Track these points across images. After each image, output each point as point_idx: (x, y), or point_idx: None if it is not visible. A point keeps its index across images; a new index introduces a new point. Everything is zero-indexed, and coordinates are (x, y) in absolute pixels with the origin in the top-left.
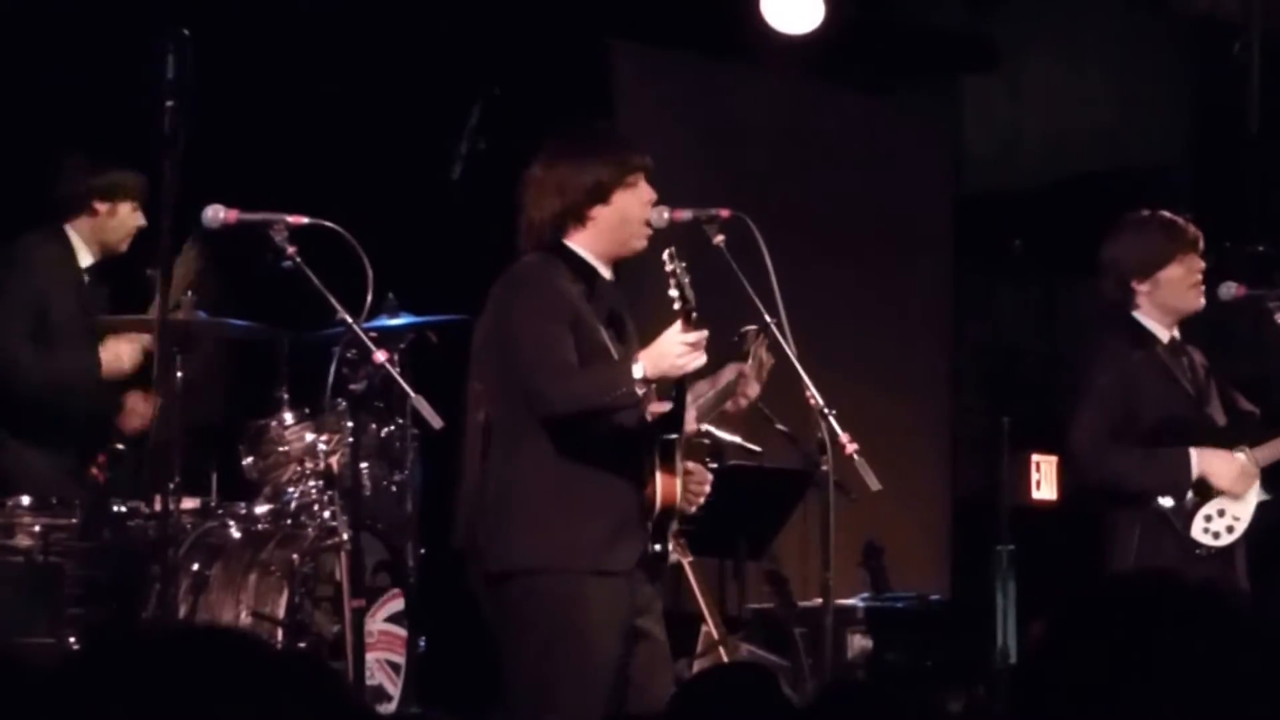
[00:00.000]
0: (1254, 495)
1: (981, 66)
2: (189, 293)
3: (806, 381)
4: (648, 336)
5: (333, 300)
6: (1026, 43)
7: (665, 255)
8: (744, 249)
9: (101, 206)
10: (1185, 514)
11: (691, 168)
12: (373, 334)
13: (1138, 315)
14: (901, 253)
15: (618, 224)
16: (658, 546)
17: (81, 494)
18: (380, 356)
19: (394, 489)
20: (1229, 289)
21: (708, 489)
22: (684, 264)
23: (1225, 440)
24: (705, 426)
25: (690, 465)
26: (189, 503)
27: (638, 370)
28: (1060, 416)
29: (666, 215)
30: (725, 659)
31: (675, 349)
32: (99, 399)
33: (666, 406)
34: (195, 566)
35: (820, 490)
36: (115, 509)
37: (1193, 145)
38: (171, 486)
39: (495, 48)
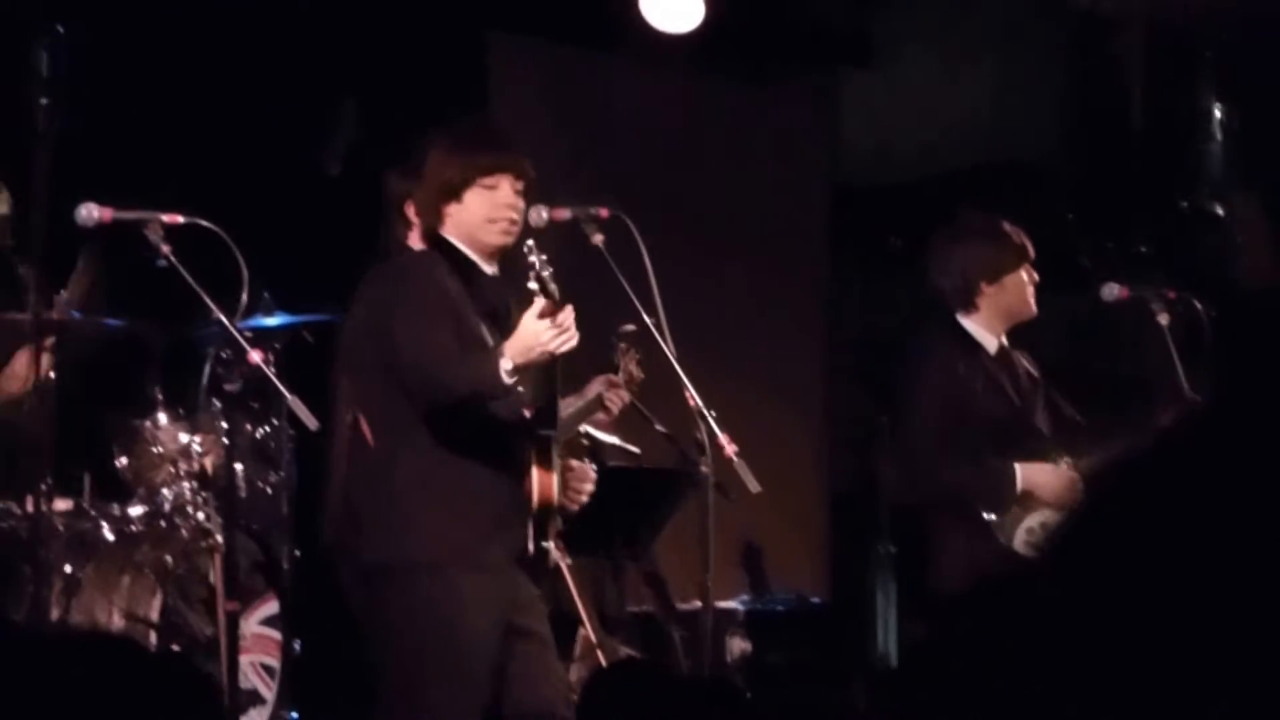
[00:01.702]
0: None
1: (859, 60)
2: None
3: (686, 382)
4: None
5: (207, 299)
6: (904, 36)
7: (525, 248)
8: (623, 248)
9: None
10: (1008, 526)
11: (569, 162)
12: (248, 333)
13: (964, 321)
14: (779, 249)
15: (468, 222)
16: (537, 543)
17: None
18: (255, 356)
19: (269, 490)
20: (1112, 290)
21: (590, 486)
22: (544, 256)
23: (1050, 449)
24: (584, 428)
25: (573, 463)
26: (61, 503)
27: (506, 362)
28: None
29: (545, 214)
30: (603, 662)
31: (539, 334)
32: None
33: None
34: (68, 568)
35: (699, 491)
36: None
37: (1074, 142)
38: (44, 487)
39: (371, 40)
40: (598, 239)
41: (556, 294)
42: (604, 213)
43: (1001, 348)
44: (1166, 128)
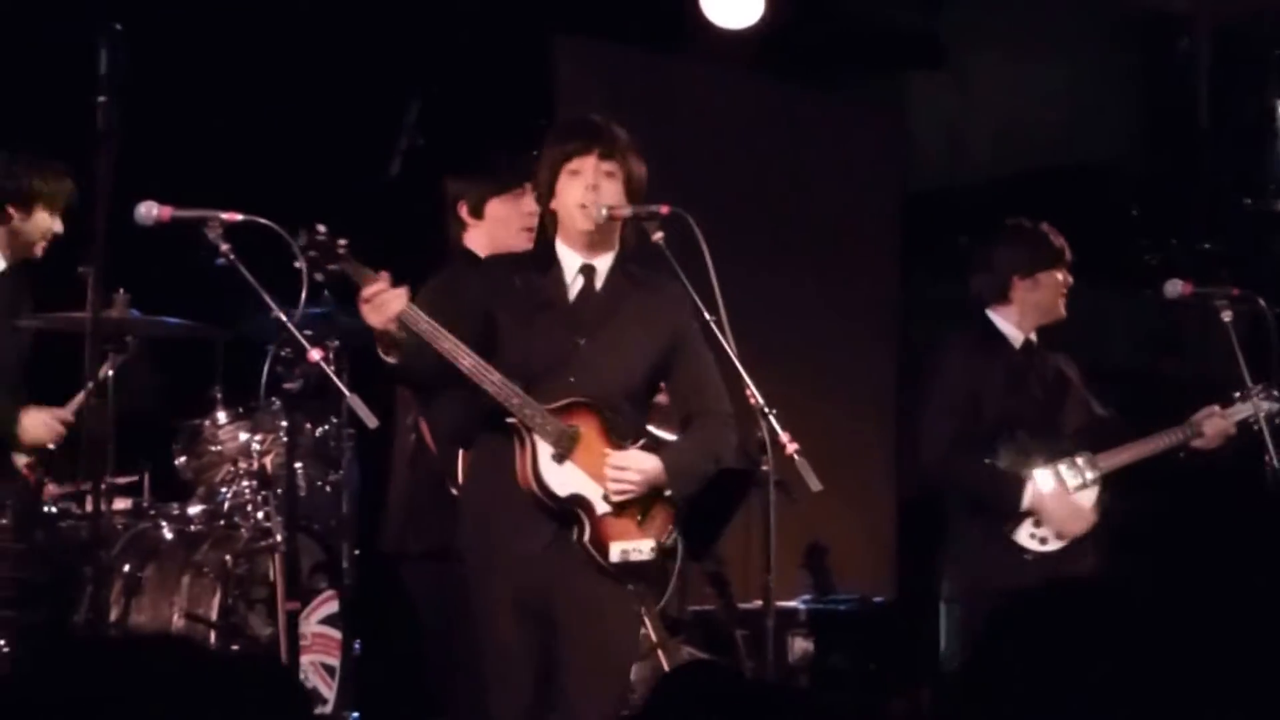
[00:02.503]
0: (1089, 501)
1: (929, 62)
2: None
3: (747, 380)
4: None
5: (267, 297)
6: (974, 38)
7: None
8: (684, 246)
9: (15, 212)
10: (1014, 518)
11: None
12: (307, 332)
13: (994, 316)
14: (847, 250)
15: (562, 212)
16: (575, 536)
17: (11, 495)
18: (315, 355)
19: (329, 489)
20: (1175, 286)
21: (628, 474)
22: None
23: (1071, 447)
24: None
25: (610, 451)
26: (122, 503)
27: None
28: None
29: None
30: (665, 662)
31: (362, 311)
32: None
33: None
34: (128, 568)
35: (761, 490)
36: (47, 510)
37: (1142, 141)
38: (104, 487)
39: (436, 42)
40: (658, 236)
41: (350, 273)
42: (664, 210)
43: (1028, 343)
44: (1233, 127)
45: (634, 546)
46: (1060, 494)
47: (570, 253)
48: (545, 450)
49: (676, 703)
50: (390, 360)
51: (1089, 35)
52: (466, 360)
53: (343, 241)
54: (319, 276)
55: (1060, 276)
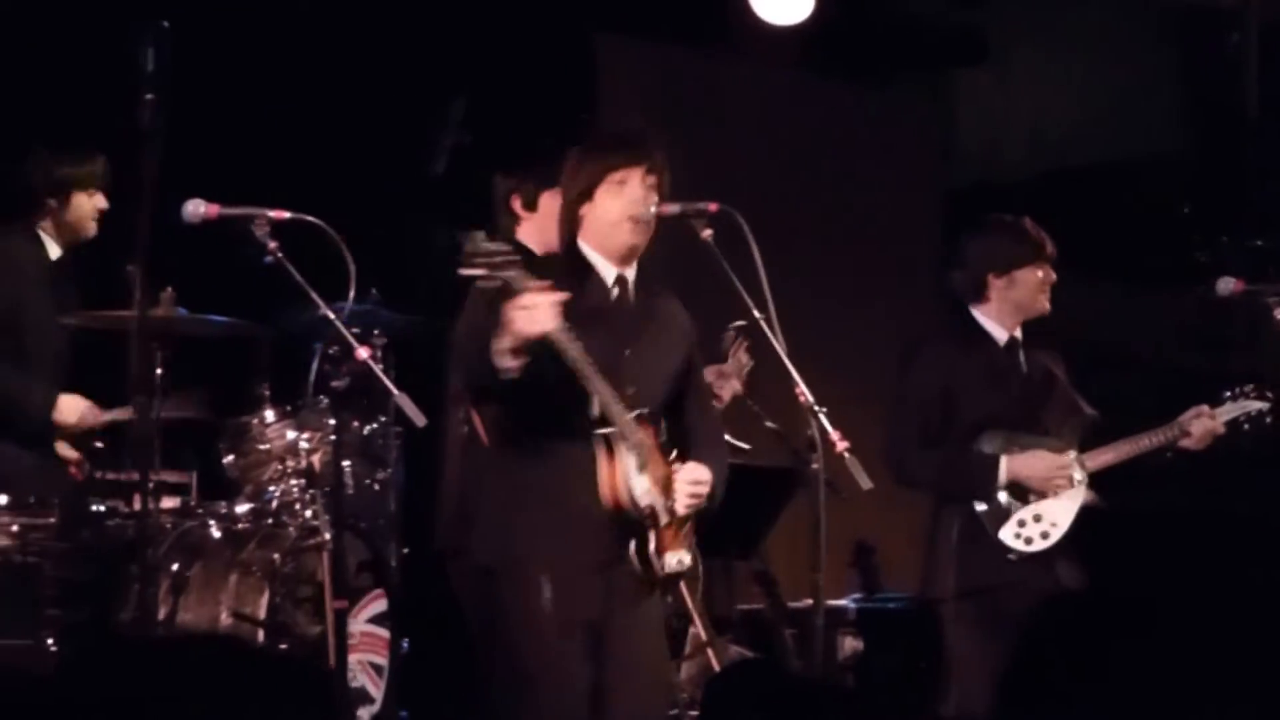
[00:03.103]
0: (1075, 499)
1: (971, 59)
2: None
3: (796, 378)
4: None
5: (315, 296)
6: (1016, 34)
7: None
8: (732, 243)
9: (53, 202)
10: (997, 517)
11: (678, 161)
12: (355, 330)
13: (975, 312)
14: (891, 246)
15: (600, 222)
16: (633, 547)
17: (59, 493)
18: (362, 353)
19: (377, 487)
20: (1226, 284)
21: (700, 487)
22: (490, 245)
23: (1054, 445)
24: None
25: (680, 464)
26: (169, 502)
27: (497, 343)
28: None
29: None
30: (714, 661)
31: (510, 317)
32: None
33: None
34: (175, 566)
35: (810, 489)
36: (94, 508)
37: (1187, 136)
38: (150, 485)
39: (479, 41)
40: (706, 234)
41: (513, 281)
42: (712, 207)
43: (1012, 340)
44: None
45: (678, 557)
46: (1039, 454)
47: (603, 261)
48: (632, 462)
49: (728, 701)
50: (508, 368)
51: (1131, 30)
52: (586, 370)
53: (507, 247)
54: (490, 281)
55: (1040, 273)
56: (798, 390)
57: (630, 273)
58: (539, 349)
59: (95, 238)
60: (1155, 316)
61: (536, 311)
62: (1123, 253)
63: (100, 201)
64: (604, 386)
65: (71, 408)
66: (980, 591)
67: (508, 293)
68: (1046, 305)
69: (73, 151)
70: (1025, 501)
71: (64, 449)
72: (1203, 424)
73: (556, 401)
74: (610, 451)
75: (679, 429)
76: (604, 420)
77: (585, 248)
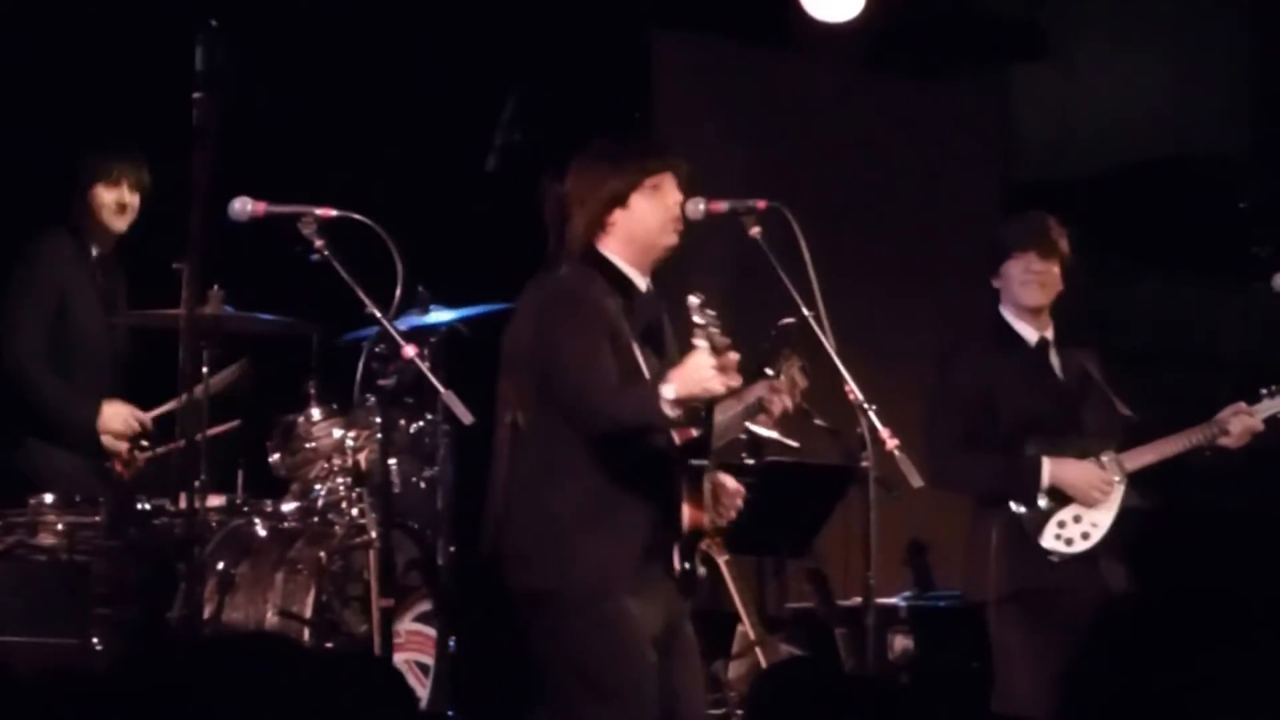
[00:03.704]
0: (1116, 500)
1: (1031, 52)
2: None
3: (846, 376)
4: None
5: (363, 294)
6: (1078, 27)
7: (692, 303)
8: (783, 240)
9: (81, 200)
10: (1037, 520)
11: (731, 157)
12: (403, 328)
13: (1004, 313)
14: (950, 243)
15: (637, 228)
16: (683, 564)
17: (106, 492)
18: (410, 351)
19: (424, 486)
20: None
21: (740, 503)
22: (713, 313)
23: (1091, 446)
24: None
25: (724, 479)
26: (215, 500)
27: (668, 391)
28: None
29: (702, 207)
30: (763, 660)
31: (704, 371)
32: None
33: (694, 433)
34: (222, 565)
35: (861, 487)
36: (141, 507)
37: (1253, 131)
38: (198, 484)
39: (534, 38)
40: (755, 231)
41: (723, 343)
42: (762, 204)
43: (1042, 340)
44: None
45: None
46: (1081, 464)
47: (632, 270)
48: (708, 488)
49: (776, 700)
50: (676, 415)
51: (1195, 22)
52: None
53: (714, 313)
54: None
55: (1020, 264)
56: (848, 388)
57: (647, 284)
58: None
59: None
60: (1214, 311)
61: (728, 372)
62: (1182, 248)
63: (123, 196)
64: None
65: (115, 416)
66: (1024, 595)
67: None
68: (1033, 298)
69: (102, 146)
70: (1064, 503)
71: (110, 440)
72: (1241, 421)
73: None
74: (699, 481)
75: None
76: (698, 448)
77: (610, 255)
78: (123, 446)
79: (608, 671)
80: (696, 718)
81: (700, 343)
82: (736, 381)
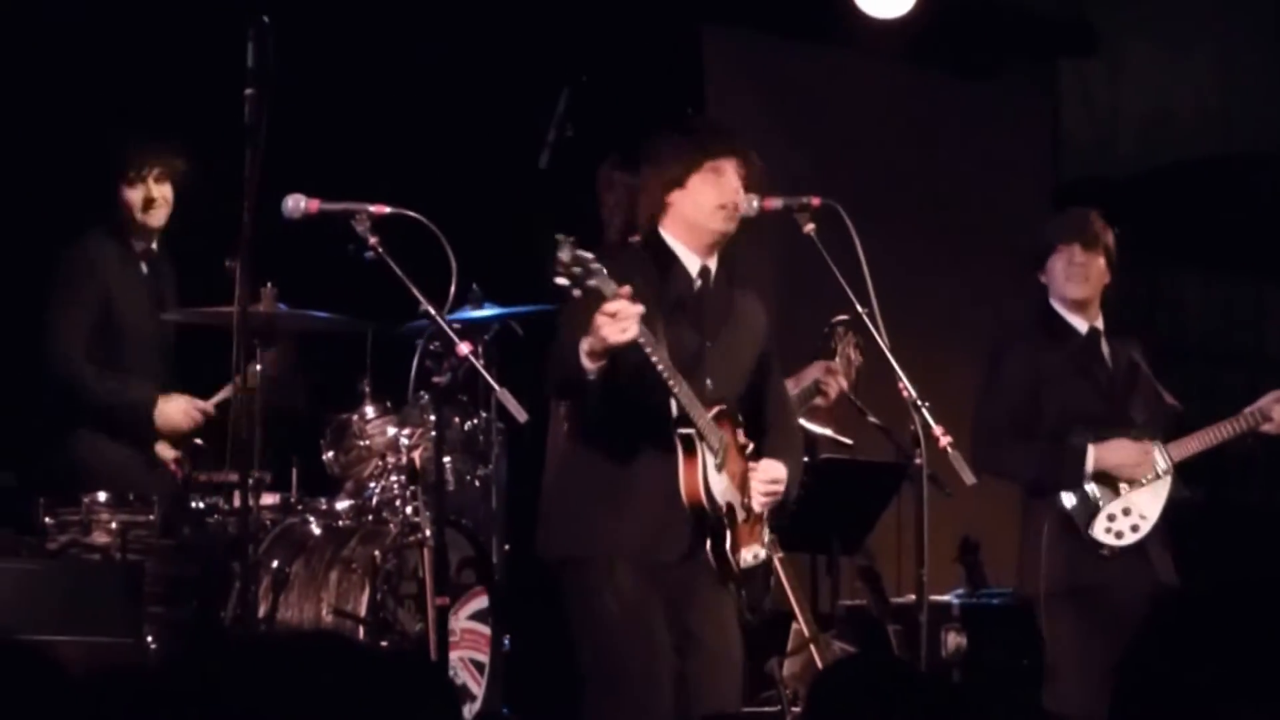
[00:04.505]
0: (1163, 491)
1: (1080, 49)
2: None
3: (899, 373)
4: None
5: (416, 292)
6: (1126, 24)
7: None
8: (836, 237)
9: (117, 197)
10: (1088, 513)
11: (783, 154)
12: (457, 325)
13: (1055, 305)
14: (999, 240)
15: (693, 208)
16: (711, 544)
17: (160, 488)
18: (464, 349)
19: (478, 484)
20: None
21: (777, 485)
22: (587, 254)
23: (1141, 436)
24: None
25: (757, 463)
26: (269, 498)
27: (584, 345)
28: None
29: (756, 204)
30: (817, 657)
31: (598, 324)
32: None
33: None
34: (276, 563)
35: (914, 484)
36: (195, 505)
37: None
38: (252, 482)
39: (584, 34)
40: (809, 228)
41: (604, 290)
42: (815, 201)
43: (1093, 331)
44: None
45: (753, 553)
46: (1125, 443)
47: (687, 251)
48: (711, 460)
49: (837, 697)
50: (589, 369)
51: (1244, 19)
52: (667, 372)
53: (590, 255)
54: (575, 290)
55: (1064, 258)
56: (901, 385)
57: (713, 264)
58: (621, 353)
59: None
60: (1267, 309)
61: (621, 321)
62: (1233, 247)
63: (149, 191)
64: (685, 387)
65: (175, 410)
66: (1077, 590)
67: (595, 300)
68: (1077, 290)
69: (122, 143)
70: (1114, 493)
71: (163, 449)
72: None
73: (638, 400)
74: (691, 450)
75: (755, 425)
76: (684, 419)
77: (668, 236)
78: (172, 454)
79: (607, 643)
80: (716, 695)
81: (562, 281)
82: (631, 331)
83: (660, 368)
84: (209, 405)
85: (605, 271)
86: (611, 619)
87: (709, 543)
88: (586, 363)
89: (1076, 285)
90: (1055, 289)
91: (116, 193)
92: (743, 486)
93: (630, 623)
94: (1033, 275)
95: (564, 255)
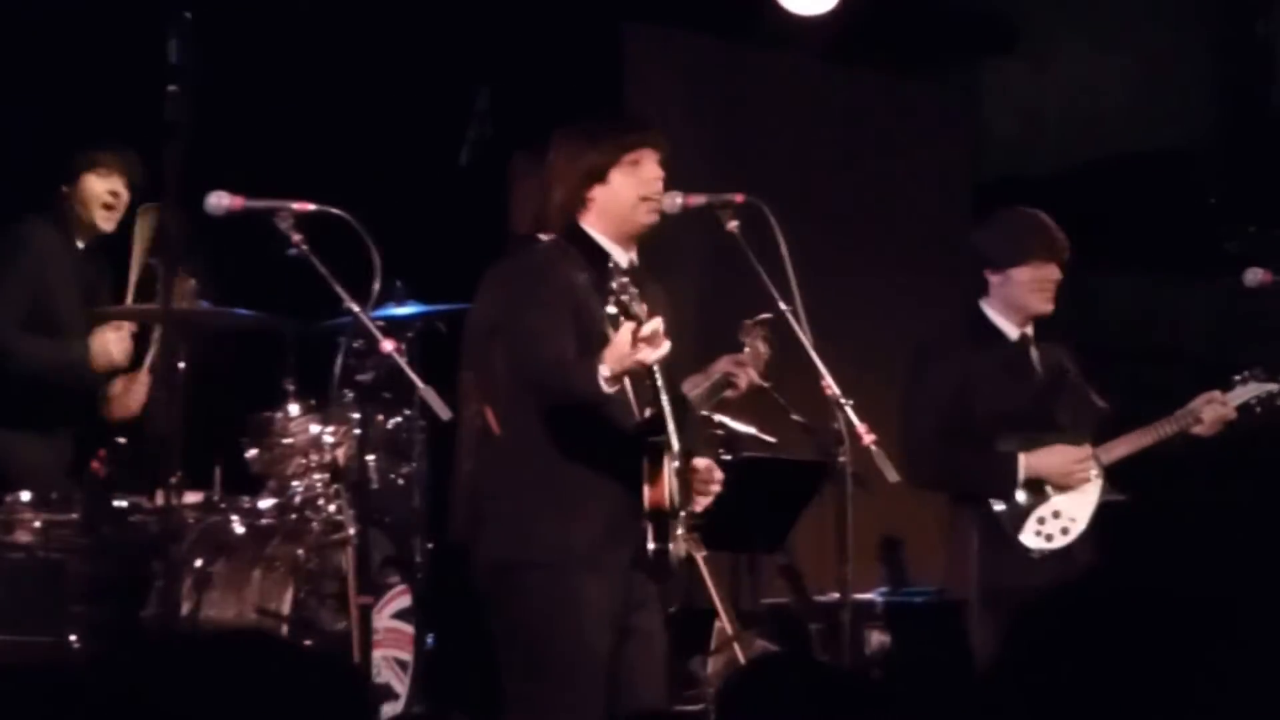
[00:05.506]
0: (1093, 494)
1: (1001, 47)
2: (152, 260)
3: (822, 371)
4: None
5: (339, 289)
6: (1048, 22)
7: (610, 265)
8: (759, 235)
9: (67, 189)
10: (1017, 517)
11: (704, 152)
12: (381, 323)
13: (985, 308)
14: (920, 238)
15: (616, 204)
16: (654, 545)
17: (81, 488)
18: (388, 346)
19: (401, 482)
20: (1255, 275)
21: (716, 486)
22: (625, 279)
23: (1070, 440)
24: (718, 417)
25: (698, 461)
26: (192, 497)
27: (604, 369)
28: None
29: (679, 201)
30: (740, 655)
31: (626, 345)
32: (90, 388)
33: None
34: (199, 562)
35: (837, 482)
36: (116, 504)
37: (1216, 126)
38: (174, 480)
39: (505, 31)
40: (732, 225)
41: (641, 314)
42: (739, 199)
43: (1023, 336)
44: None
45: (681, 552)
46: (1057, 449)
47: (612, 245)
48: (670, 465)
49: (749, 696)
50: (612, 390)
51: (1165, 17)
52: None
53: (625, 279)
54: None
55: (1035, 272)
56: (824, 383)
57: (635, 256)
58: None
59: (115, 232)
60: (1185, 307)
61: (656, 342)
62: (1151, 243)
63: (115, 186)
64: (664, 398)
65: (109, 341)
66: (1005, 593)
67: (629, 320)
68: (1045, 306)
69: (89, 144)
70: (1043, 498)
71: (119, 386)
72: (1214, 409)
73: (615, 408)
74: (659, 459)
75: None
76: (657, 426)
77: (592, 230)
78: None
79: (552, 650)
80: (651, 694)
81: (610, 310)
82: (665, 348)
83: (659, 379)
84: (132, 327)
85: (638, 293)
86: (551, 624)
87: (653, 544)
88: (606, 387)
89: (1045, 301)
90: (1011, 297)
91: (75, 183)
92: (685, 487)
93: (571, 627)
94: (961, 274)
95: (614, 284)
